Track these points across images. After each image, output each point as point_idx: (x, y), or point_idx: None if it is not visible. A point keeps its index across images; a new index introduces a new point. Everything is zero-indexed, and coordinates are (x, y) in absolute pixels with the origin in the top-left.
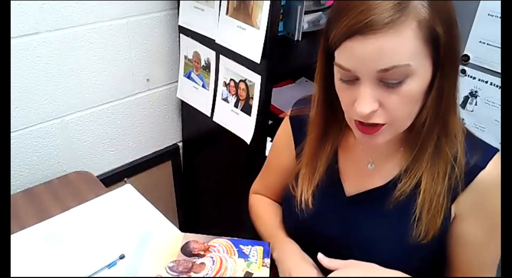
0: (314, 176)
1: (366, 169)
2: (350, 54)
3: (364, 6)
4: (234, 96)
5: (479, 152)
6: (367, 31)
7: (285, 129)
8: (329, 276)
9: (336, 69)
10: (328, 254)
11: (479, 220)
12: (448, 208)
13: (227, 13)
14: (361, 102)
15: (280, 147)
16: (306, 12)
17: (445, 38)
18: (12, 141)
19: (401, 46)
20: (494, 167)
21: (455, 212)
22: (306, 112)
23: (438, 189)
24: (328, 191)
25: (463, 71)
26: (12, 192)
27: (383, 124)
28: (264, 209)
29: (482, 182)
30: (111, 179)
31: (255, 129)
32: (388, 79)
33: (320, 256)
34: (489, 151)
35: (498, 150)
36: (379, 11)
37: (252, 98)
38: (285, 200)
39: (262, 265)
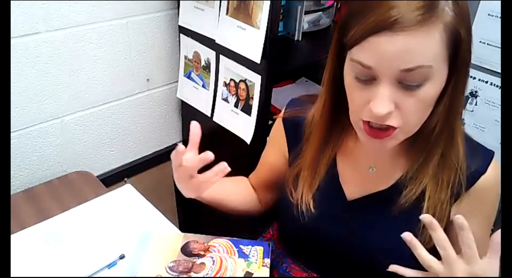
0: (315, 178)
1: (367, 173)
2: (374, 51)
3: (393, 3)
4: (234, 96)
5: (478, 156)
6: (397, 28)
7: (278, 131)
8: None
9: (351, 67)
10: (331, 257)
11: (476, 221)
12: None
13: (227, 13)
14: (378, 103)
15: (271, 144)
16: (306, 12)
17: (465, 43)
18: (12, 141)
19: (427, 47)
20: (493, 171)
21: (453, 214)
22: (301, 114)
23: (442, 196)
24: (329, 195)
25: None
26: (12, 192)
27: (394, 129)
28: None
29: (483, 185)
30: (111, 179)
31: (255, 129)
32: (408, 81)
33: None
34: (487, 155)
35: (494, 152)
36: (410, 9)
37: (252, 98)
38: (282, 206)
39: (262, 265)
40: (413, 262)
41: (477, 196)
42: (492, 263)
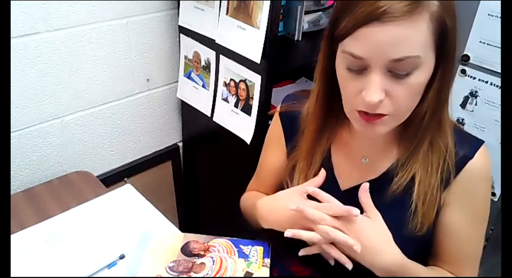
0: (310, 169)
1: (360, 163)
2: (365, 41)
3: None
4: (234, 96)
5: (467, 143)
6: (385, 18)
7: (275, 126)
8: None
9: (343, 58)
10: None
11: (465, 209)
12: (440, 199)
13: (227, 13)
14: (371, 91)
15: (271, 144)
16: (306, 12)
17: (452, 32)
18: (12, 141)
19: (415, 36)
20: (481, 157)
21: (443, 201)
22: (296, 108)
23: (432, 181)
24: (323, 185)
25: (463, 71)
26: (12, 192)
27: (385, 114)
28: (251, 195)
29: (470, 171)
30: (111, 179)
31: (255, 129)
32: (398, 70)
33: (365, 187)
34: (476, 143)
35: (483, 141)
36: (397, 0)
37: (252, 98)
38: None
39: (262, 265)
40: (403, 250)
41: (465, 182)
42: (374, 221)
